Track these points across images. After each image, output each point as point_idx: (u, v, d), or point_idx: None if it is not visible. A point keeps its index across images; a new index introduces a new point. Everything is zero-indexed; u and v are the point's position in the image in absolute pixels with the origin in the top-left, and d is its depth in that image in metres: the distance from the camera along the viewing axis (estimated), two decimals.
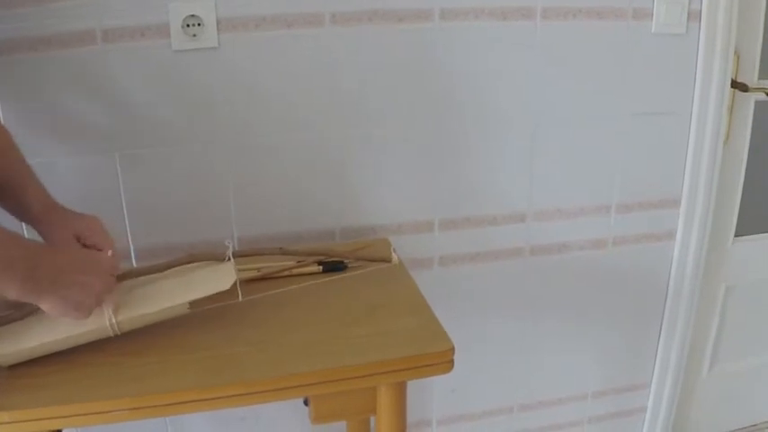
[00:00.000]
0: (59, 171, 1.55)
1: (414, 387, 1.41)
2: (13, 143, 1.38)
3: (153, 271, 1.38)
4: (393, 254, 1.56)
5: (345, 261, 1.64)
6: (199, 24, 1.62)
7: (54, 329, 1.27)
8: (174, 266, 1.39)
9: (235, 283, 1.35)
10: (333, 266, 1.62)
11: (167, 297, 1.33)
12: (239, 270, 1.39)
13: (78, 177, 1.67)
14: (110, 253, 1.33)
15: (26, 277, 1.11)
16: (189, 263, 1.40)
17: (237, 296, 1.36)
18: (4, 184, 1.34)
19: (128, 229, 1.74)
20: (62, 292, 1.17)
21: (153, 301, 1.33)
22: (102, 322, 1.28)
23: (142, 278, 1.37)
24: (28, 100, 1.59)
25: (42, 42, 1.56)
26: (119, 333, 1.30)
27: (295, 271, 1.59)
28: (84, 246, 1.35)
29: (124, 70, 1.63)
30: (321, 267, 1.61)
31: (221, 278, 1.35)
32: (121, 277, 1.34)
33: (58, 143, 1.63)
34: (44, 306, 1.17)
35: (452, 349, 1.33)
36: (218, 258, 1.40)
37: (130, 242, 1.74)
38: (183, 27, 1.61)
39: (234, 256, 1.40)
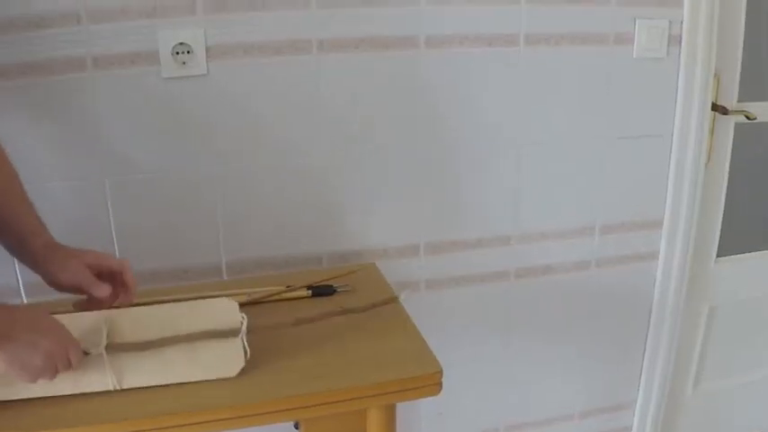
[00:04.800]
0: (48, 197, 1.55)
1: (400, 410, 1.42)
2: (17, 181, 1.38)
3: (167, 343, 1.33)
4: (401, 296, 1.57)
5: (334, 285, 1.66)
6: (188, 52, 1.64)
7: (55, 385, 1.26)
8: (187, 341, 1.35)
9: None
10: (321, 291, 1.64)
11: (175, 373, 1.32)
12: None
13: (67, 203, 1.67)
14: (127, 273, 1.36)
15: None
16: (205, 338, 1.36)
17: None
18: (8, 222, 1.33)
19: (117, 255, 1.73)
20: (8, 346, 1.14)
21: (160, 374, 1.32)
22: (106, 386, 1.29)
23: (152, 341, 1.34)
24: (17, 125, 1.59)
25: (33, 68, 1.58)
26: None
27: (284, 295, 1.60)
28: (101, 273, 1.35)
29: (114, 97, 1.64)
30: (310, 292, 1.63)
31: (231, 361, 1.34)
32: (142, 346, 1.32)
33: (48, 169, 1.64)
34: None
35: (441, 372, 1.35)
36: (234, 333, 1.35)
37: None
38: (172, 54, 1.63)
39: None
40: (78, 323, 1.28)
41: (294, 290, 1.62)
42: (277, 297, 1.61)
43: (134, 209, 1.73)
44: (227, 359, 1.34)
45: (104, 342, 1.28)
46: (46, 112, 1.62)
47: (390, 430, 1.41)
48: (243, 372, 1.34)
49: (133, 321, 1.32)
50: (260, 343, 1.42)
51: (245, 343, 1.34)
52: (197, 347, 1.33)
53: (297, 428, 1.48)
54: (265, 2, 1.66)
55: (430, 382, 1.35)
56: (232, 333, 1.34)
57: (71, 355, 1.22)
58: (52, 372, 1.21)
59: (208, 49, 1.66)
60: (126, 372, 1.30)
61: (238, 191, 1.79)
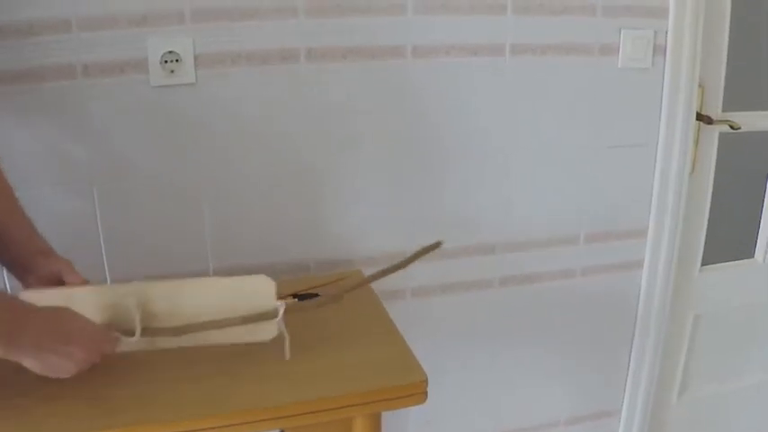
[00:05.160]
0: (37, 203, 1.54)
1: (388, 419, 1.43)
2: (11, 191, 1.39)
3: (202, 328, 1.36)
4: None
5: (320, 293, 1.66)
6: (177, 60, 1.64)
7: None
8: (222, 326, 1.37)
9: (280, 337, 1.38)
10: (307, 299, 1.64)
11: (210, 337, 1.35)
12: None
13: (56, 210, 1.67)
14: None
15: (7, 340, 1.12)
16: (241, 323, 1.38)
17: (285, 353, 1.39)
18: (7, 240, 1.35)
19: (105, 261, 1.74)
20: (42, 357, 1.17)
21: (195, 340, 1.35)
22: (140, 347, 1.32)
23: (187, 326, 1.35)
24: (6, 132, 1.60)
25: (23, 75, 1.58)
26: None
27: (251, 313, 1.60)
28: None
29: (103, 105, 1.65)
30: (296, 300, 1.63)
31: (264, 331, 1.37)
32: (179, 330, 1.34)
33: (37, 175, 1.64)
34: (24, 364, 1.17)
35: (426, 381, 1.36)
36: (270, 316, 1.38)
37: (107, 274, 1.75)
38: (161, 63, 1.63)
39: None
40: (107, 300, 1.31)
41: (280, 298, 1.62)
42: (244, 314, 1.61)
43: (122, 216, 1.74)
44: (263, 328, 1.37)
45: (139, 332, 1.30)
46: (35, 119, 1.62)
47: None
48: (229, 380, 1.35)
49: (166, 302, 1.34)
50: (244, 351, 1.43)
51: (284, 327, 1.37)
52: (232, 329, 1.35)
53: None
54: (253, 11, 1.67)
55: (415, 390, 1.36)
56: (268, 316, 1.36)
57: (106, 349, 1.27)
58: (86, 368, 1.24)
59: (196, 58, 1.66)
60: (158, 345, 1.34)
61: (227, 198, 1.80)
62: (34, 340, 1.15)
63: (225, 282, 1.39)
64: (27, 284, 1.35)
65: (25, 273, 1.36)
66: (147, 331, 1.31)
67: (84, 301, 1.29)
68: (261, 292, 1.38)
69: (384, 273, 1.52)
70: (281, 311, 1.37)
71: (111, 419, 1.24)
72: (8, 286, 1.65)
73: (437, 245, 1.55)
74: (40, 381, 1.29)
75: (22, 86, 1.59)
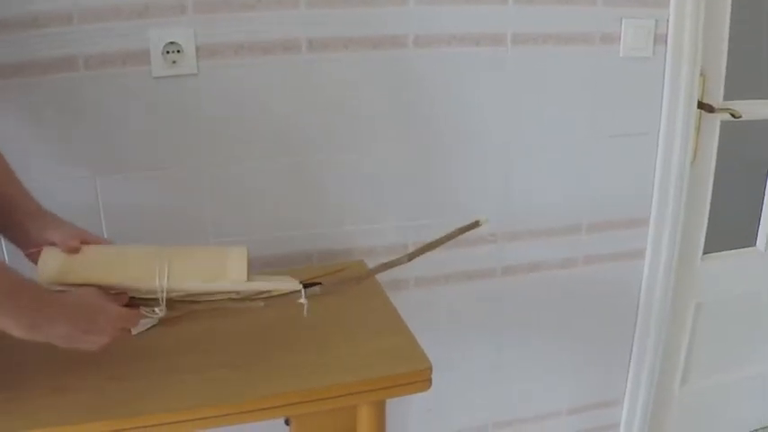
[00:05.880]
0: (39, 194, 1.55)
1: (390, 407, 1.43)
2: (4, 160, 1.38)
3: (228, 305, 1.35)
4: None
5: (323, 283, 1.66)
6: (178, 51, 1.64)
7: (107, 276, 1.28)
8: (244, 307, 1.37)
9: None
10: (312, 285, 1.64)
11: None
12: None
13: (58, 201, 1.66)
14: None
15: (31, 331, 1.13)
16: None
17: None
18: (9, 211, 1.34)
19: None
20: (66, 342, 1.18)
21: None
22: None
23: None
24: (8, 124, 1.59)
25: (25, 68, 1.58)
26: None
27: (275, 292, 1.60)
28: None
29: (105, 96, 1.65)
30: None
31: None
32: (201, 306, 1.34)
33: (39, 167, 1.64)
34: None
35: (430, 368, 1.36)
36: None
37: None
38: (162, 54, 1.63)
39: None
40: (135, 269, 1.29)
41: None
42: (267, 295, 1.61)
43: (124, 207, 1.74)
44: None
45: (164, 310, 1.29)
46: (37, 111, 1.62)
47: (380, 427, 1.41)
48: (234, 368, 1.35)
49: (191, 276, 1.32)
50: (249, 339, 1.43)
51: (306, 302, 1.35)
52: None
53: (287, 425, 1.49)
54: (255, 1, 1.67)
55: (419, 378, 1.36)
56: (290, 296, 1.36)
57: (128, 327, 1.27)
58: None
59: (198, 49, 1.66)
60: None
61: (228, 189, 1.80)
62: (58, 330, 1.16)
63: (256, 284, 1.38)
64: (27, 248, 1.34)
65: (27, 238, 1.34)
66: (169, 305, 1.31)
67: (110, 266, 1.29)
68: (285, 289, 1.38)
69: (421, 251, 1.51)
70: (306, 301, 1.35)
71: (115, 410, 1.25)
72: (6, 256, 1.65)
73: (475, 224, 1.53)
74: (44, 374, 1.31)
75: (23, 79, 1.59)
